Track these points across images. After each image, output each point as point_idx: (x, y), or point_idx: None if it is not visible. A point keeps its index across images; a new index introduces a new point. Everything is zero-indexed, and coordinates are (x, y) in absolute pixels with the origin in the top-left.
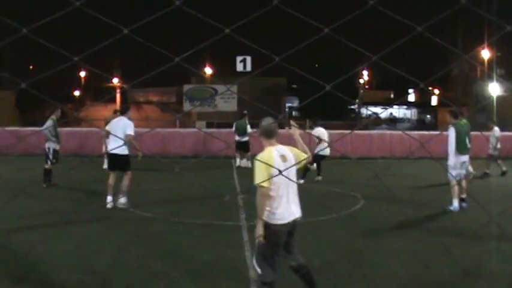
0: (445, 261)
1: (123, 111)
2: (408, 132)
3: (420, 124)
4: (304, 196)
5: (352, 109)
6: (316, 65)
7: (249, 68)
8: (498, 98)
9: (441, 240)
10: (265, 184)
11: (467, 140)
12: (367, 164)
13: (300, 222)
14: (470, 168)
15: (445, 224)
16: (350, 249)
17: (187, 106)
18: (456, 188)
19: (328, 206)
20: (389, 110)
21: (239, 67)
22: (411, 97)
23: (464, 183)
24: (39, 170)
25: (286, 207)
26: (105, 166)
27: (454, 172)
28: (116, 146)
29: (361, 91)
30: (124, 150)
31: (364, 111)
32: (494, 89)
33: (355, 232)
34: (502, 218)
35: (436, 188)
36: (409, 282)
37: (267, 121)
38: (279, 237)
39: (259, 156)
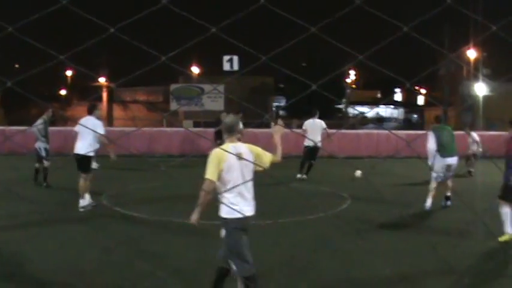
0: (432, 259)
1: (90, 111)
2: (395, 131)
3: (407, 123)
4: (292, 195)
5: (339, 108)
6: (304, 65)
7: (236, 67)
8: (484, 97)
9: (428, 239)
10: (213, 178)
11: (450, 143)
12: (355, 163)
13: (287, 221)
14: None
15: (431, 222)
16: (337, 249)
17: (174, 105)
18: (433, 189)
19: (315, 205)
20: (376, 110)
21: (226, 66)
22: (398, 97)
23: (449, 182)
24: (26, 170)
25: (241, 203)
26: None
27: (434, 174)
28: (81, 146)
29: (348, 91)
30: (87, 152)
31: (351, 111)
32: (480, 89)
33: (342, 231)
34: (487, 216)
35: (422, 187)
36: (396, 281)
37: (230, 118)
38: (238, 232)
39: (213, 151)
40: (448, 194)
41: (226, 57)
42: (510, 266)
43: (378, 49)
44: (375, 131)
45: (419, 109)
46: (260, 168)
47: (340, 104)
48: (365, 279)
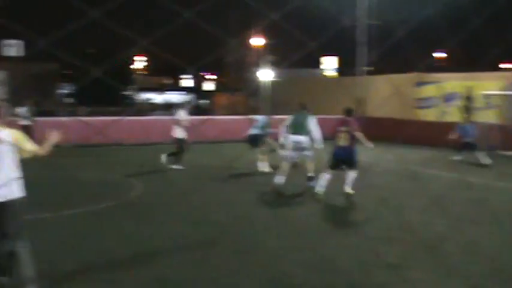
0: (221, 240)
1: None
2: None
3: (196, 109)
4: (77, 185)
5: (127, 95)
6: (91, 51)
7: (20, 53)
8: (269, 83)
9: (218, 219)
10: None
11: (300, 124)
12: (144, 150)
13: (73, 213)
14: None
15: (221, 200)
16: (130, 236)
17: None
18: (285, 167)
19: (105, 193)
20: (165, 95)
21: (10, 51)
22: (187, 82)
23: (309, 163)
24: None
25: None
26: None
27: (285, 153)
28: None
29: (136, 77)
30: None
31: (140, 97)
32: (265, 75)
33: (135, 218)
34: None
35: (209, 170)
36: (188, 264)
37: None
38: None
39: None
40: (310, 174)
41: (6, 42)
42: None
43: (164, 35)
44: (164, 117)
45: (208, 94)
46: (26, 155)
47: (127, 91)
48: (159, 264)
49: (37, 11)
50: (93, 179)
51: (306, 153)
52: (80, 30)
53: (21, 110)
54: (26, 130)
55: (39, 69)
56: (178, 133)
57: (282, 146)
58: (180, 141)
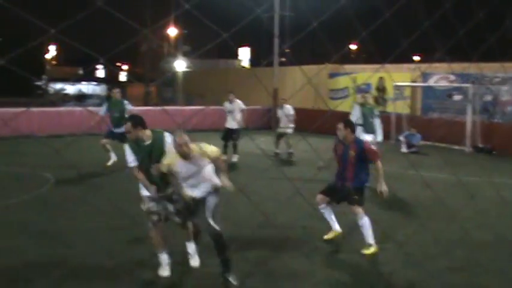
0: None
1: None
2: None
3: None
4: None
5: (39, 85)
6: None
7: None
8: (183, 73)
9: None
10: None
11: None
12: (56, 142)
13: None
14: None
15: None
16: (42, 231)
17: None
18: None
19: (14, 188)
20: (79, 86)
21: None
22: (100, 73)
23: None
24: None
25: None
26: None
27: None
28: None
29: (49, 67)
30: None
31: (53, 88)
32: (179, 65)
33: (47, 213)
34: None
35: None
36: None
37: None
38: None
39: None
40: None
41: None
42: None
43: (75, 24)
44: (77, 109)
45: (121, 85)
46: None
47: (39, 81)
48: (75, 260)
49: None
50: (4, 172)
51: None
52: None
53: None
54: None
55: None
56: None
57: None
58: None
